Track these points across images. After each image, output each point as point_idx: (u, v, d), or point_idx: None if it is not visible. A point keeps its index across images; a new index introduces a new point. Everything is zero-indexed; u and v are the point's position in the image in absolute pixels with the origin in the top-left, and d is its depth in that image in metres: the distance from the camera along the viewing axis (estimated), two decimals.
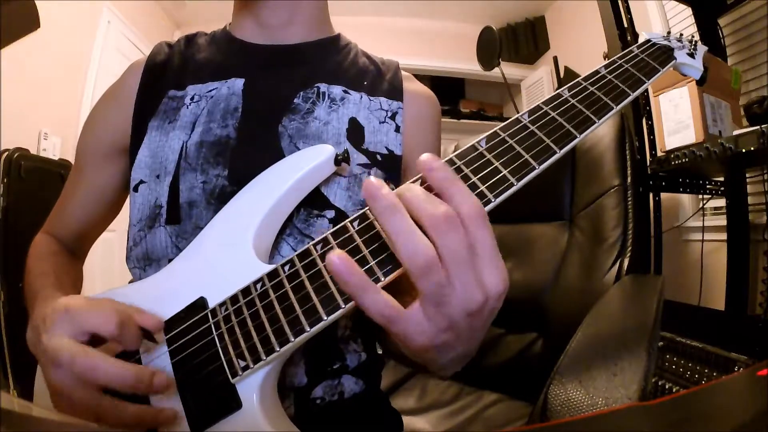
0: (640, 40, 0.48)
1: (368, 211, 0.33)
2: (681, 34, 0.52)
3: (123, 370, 0.33)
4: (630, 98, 0.40)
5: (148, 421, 0.34)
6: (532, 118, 0.36)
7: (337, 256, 0.27)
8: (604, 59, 1.42)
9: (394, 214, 0.28)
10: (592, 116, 0.37)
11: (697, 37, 0.51)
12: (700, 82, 0.50)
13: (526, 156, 0.34)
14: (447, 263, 0.27)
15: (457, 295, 0.28)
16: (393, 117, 0.53)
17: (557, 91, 0.39)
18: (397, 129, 0.53)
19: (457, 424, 0.75)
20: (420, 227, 0.27)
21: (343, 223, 0.33)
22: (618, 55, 0.44)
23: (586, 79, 0.40)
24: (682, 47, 0.49)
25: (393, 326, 0.28)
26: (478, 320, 0.29)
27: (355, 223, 0.33)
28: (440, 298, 0.28)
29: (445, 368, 0.35)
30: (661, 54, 0.46)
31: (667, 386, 1.02)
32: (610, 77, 0.41)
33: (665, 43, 0.48)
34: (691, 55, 0.49)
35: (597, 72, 0.41)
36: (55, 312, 0.35)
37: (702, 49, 0.51)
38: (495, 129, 0.36)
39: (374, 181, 0.28)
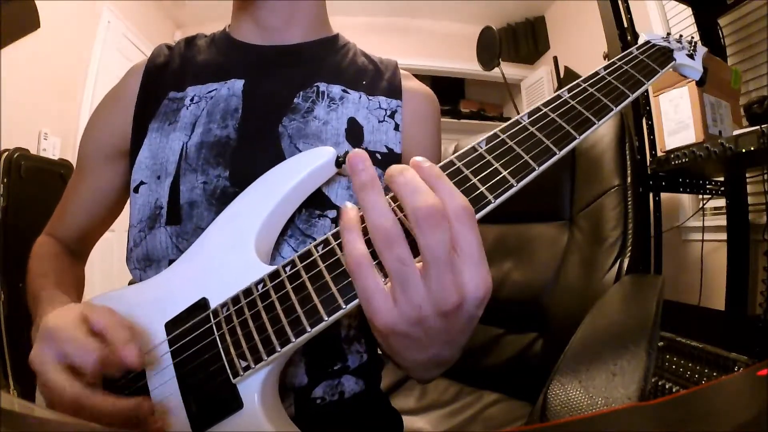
0: (640, 41, 0.48)
1: None
2: (680, 36, 0.52)
3: (107, 406, 0.32)
4: (629, 99, 0.40)
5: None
6: (532, 119, 0.37)
7: (349, 205, 0.30)
8: (604, 59, 1.42)
9: (368, 190, 0.29)
10: (592, 117, 0.37)
11: (697, 38, 0.51)
12: (700, 83, 0.50)
13: (526, 157, 0.34)
14: (425, 258, 0.27)
15: (431, 290, 0.27)
16: (392, 115, 0.53)
17: (557, 93, 0.39)
18: (396, 127, 0.53)
19: (457, 424, 0.75)
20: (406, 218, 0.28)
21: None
22: (617, 57, 0.44)
23: (585, 80, 0.41)
24: (682, 48, 0.49)
25: (357, 276, 0.29)
26: (453, 323, 0.29)
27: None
28: (404, 280, 0.28)
29: (415, 370, 0.35)
30: (661, 55, 0.46)
31: (667, 386, 1.02)
32: (609, 78, 0.41)
33: (664, 44, 0.48)
34: (691, 56, 0.49)
35: (597, 73, 0.41)
36: (44, 329, 0.35)
37: (701, 50, 0.51)
38: (495, 131, 0.36)
39: (359, 153, 0.29)
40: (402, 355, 0.32)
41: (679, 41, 0.50)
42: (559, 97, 0.39)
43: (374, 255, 0.29)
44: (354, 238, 0.29)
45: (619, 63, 0.43)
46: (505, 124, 0.36)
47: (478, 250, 0.28)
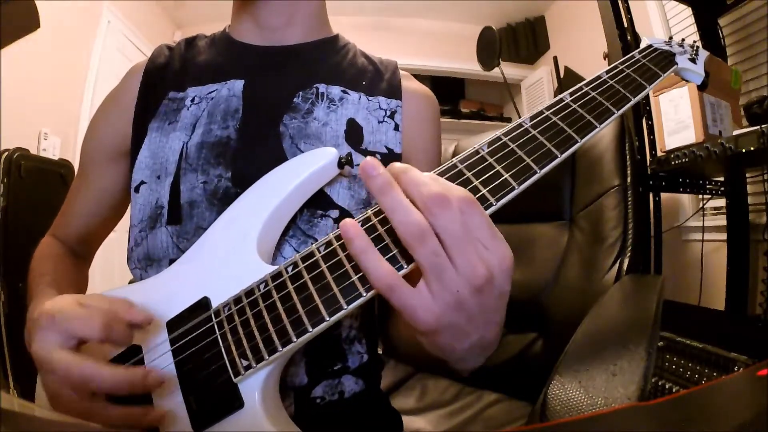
0: (642, 45, 0.48)
1: (370, 212, 0.33)
2: (683, 40, 0.52)
3: (116, 377, 0.33)
4: (631, 103, 0.40)
5: (134, 421, 0.34)
6: (534, 122, 0.37)
7: (349, 220, 0.30)
8: (604, 59, 1.42)
9: (388, 192, 0.29)
10: (594, 121, 0.38)
11: (697, 39, 0.52)
12: (702, 87, 0.50)
13: (528, 160, 0.34)
14: (443, 240, 0.28)
15: (460, 269, 0.28)
16: (392, 116, 0.53)
17: (559, 96, 0.39)
18: (396, 128, 0.53)
19: (457, 424, 0.75)
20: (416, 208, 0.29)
21: None
22: (620, 61, 0.44)
23: (588, 84, 0.41)
24: (684, 52, 0.49)
25: (394, 296, 0.29)
26: (487, 298, 0.29)
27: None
28: (440, 270, 0.28)
29: (464, 360, 0.35)
30: (663, 59, 0.46)
31: (667, 386, 1.02)
32: (611, 82, 0.41)
33: (667, 48, 0.48)
34: (693, 60, 0.50)
35: (599, 77, 0.42)
36: (42, 317, 0.35)
37: (703, 54, 0.52)
38: (497, 133, 0.36)
39: (370, 161, 0.30)
40: (451, 349, 0.32)
41: (681, 45, 0.50)
42: (561, 100, 0.39)
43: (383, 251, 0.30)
44: (375, 259, 0.29)
45: (621, 67, 0.43)
46: (507, 127, 0.36)
47: (488, 229, 0.29)
